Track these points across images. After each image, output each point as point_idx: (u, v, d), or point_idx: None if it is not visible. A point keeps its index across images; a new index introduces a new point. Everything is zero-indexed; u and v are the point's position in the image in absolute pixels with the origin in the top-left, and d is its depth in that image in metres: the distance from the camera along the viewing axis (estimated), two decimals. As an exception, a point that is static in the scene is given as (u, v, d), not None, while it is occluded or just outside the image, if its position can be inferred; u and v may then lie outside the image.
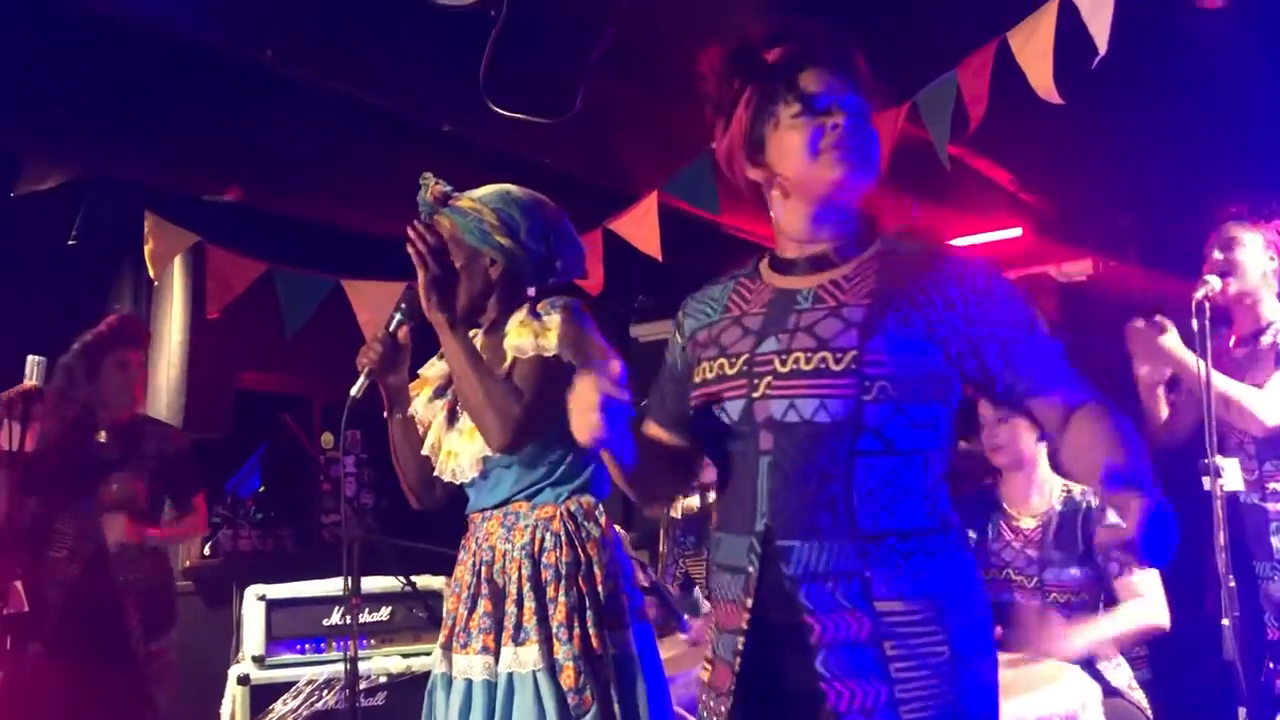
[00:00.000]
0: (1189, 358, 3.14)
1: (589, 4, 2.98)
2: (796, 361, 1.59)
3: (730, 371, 1.68)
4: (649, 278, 5.43)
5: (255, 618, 3.91)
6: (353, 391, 2.41)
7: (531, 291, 2.48)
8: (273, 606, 3.94)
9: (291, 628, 3.97)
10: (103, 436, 3.80)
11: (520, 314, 2.36)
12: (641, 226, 4.12)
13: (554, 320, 2.32)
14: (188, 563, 5.30)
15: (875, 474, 1.56)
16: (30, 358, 3.36)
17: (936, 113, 3.40)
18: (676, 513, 4.14)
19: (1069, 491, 3.16)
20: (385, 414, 2.51)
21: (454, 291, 2.37)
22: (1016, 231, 5.25)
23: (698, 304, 1.87)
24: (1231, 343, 3.37)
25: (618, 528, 2.57)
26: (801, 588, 1.55)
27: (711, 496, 4.03)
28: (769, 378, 1.61)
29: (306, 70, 3.33)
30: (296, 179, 4.21)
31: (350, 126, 3.90)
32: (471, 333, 2.45)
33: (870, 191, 1.70)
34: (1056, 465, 3.29)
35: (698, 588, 3.69)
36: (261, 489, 5.79)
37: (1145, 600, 2.98)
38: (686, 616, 3.34)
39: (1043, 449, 3.20)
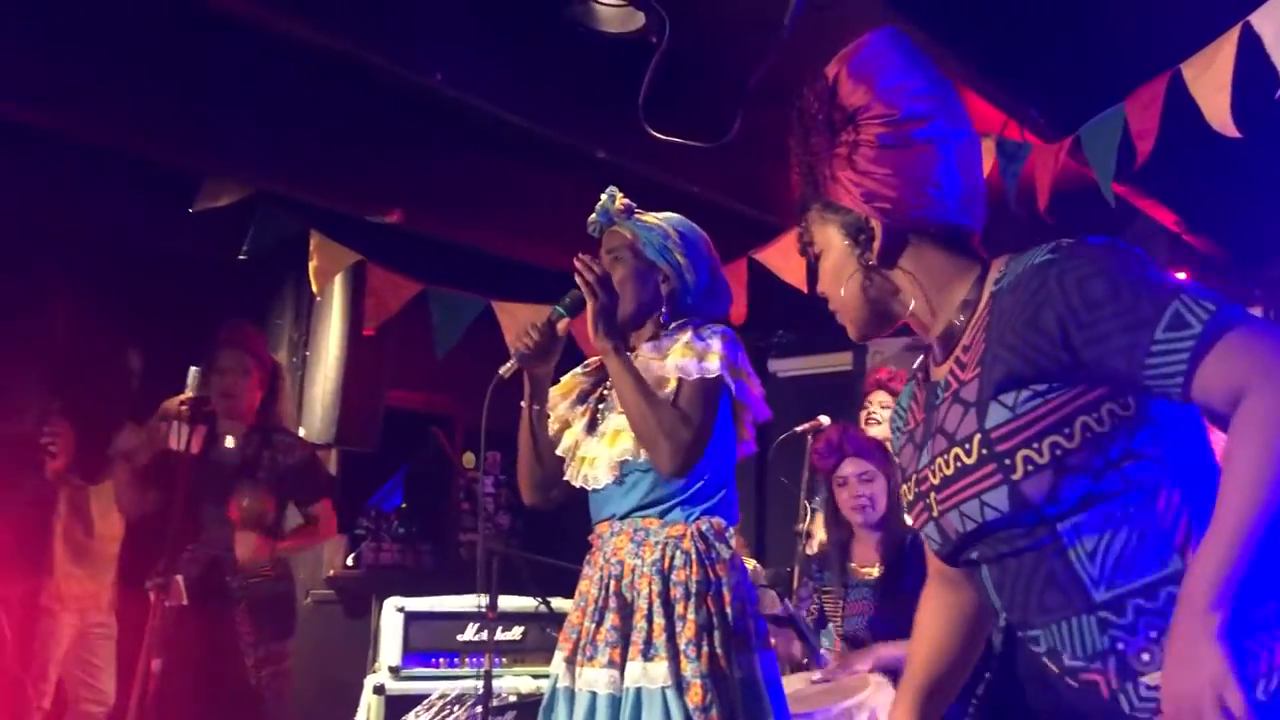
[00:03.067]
0: None
1: (749, 33, 3.00)
2: (941, 469, 1.46)
3: (910, 497, 1.56)
4: (790, 312, 5.41)
5: (393, 629, 4.00)
6: (501, 371, 2.44)
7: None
8: (411, 619, 4.03)
9: (428, 641, 4.05)
10: (230, 442, 3.83)
11: (685, 335, 2.40)
12: (788, 258, 4.11)
13: (716, 344, 2.37)
14: (331, 572, 5.46)
15: (1085, 530, 1.36)
16: (192, 369, 3.52)
17: (1101, 148, 3.30)
18: (812, 549, 4.09)
19: None
20: (523, 402, 2.55)
21: (618, 318, 2.42)
22: (1180, 275, 5.04)
23: (897, 415, 1.70)
24: None
25: (746, 558, 2.56)
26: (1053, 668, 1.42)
27: (820, 533, 3.97)
28: (932, 494, 1.48)
29: (471, 95, 3.43)
30: (454, 203, 4.34)
31: (507, 151, 4.01)
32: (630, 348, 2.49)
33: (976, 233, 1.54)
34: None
35: (830, 624, 3.64)
36: (404, 505, 5.94)
37: None
38: (822, 650, 3.28)
39: None
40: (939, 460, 1.47)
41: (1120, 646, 1.34)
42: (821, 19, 2.81)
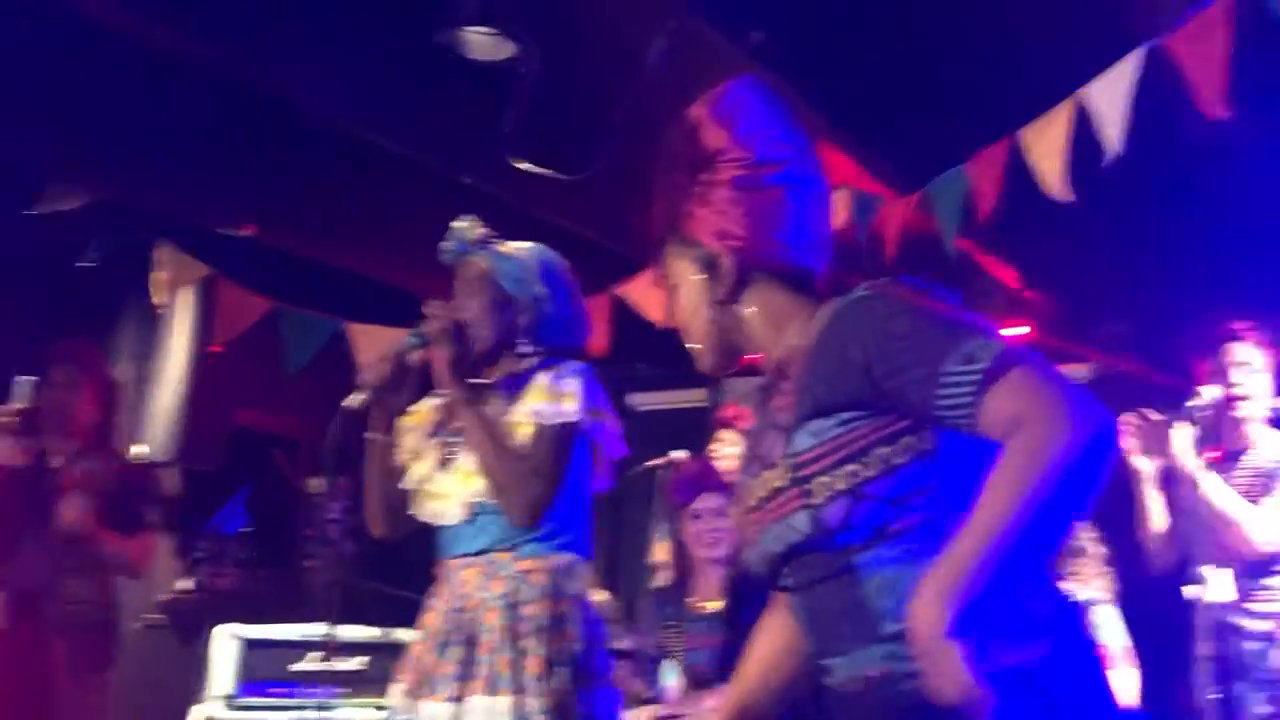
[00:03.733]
0: (1193, 460, 3.14)
1: (616, 70, 3.05)
2: (757, 492, 1.53)
3: (738, 521, 1.63)
4: (650, 347, 5.46)
5: (227, 657, 3.86)
6: (347, 403, 2.40)
7: (544, 350, 2.50)
8: (248, 647, 3.89)
9: (264, 670, 3.92)
10: (57, 461, 3.62)
11: (542, 377, 2.39)
12: (649, 294, 4.16)
13: (574, 385, 2.36)
14: (164, 596, 5.24)
15: (879, 564, 1.43)
16: (21, 379, 3.33)
17: (946, 204, 3.46)
18: (658, 582, 4.12)
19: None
20: (370, 434, 2.49)
21: (470, 367, 2.40)
22: (1024, 330, 5.29)
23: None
24: (1218, 455, 3.38)
25: (599, 593, 2.57)
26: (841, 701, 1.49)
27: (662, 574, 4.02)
28: (751, 516, 1.55)
29: (332, 112, 3.39)
30: (312, 220, 4.26)
31: (369, 172, 3.96)
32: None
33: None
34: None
35: (671, 659, 3.68)
36: (246, 528, 5.75)
37: None
38: (665, 685, 3.30)
39: None
40: (755, 484, 1.54)
41: (899, 665, 1.41)
42: (686, 62, 2.88)
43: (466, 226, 2.49)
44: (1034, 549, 1.33)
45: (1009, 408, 1.34)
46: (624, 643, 3.27)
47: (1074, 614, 1.48)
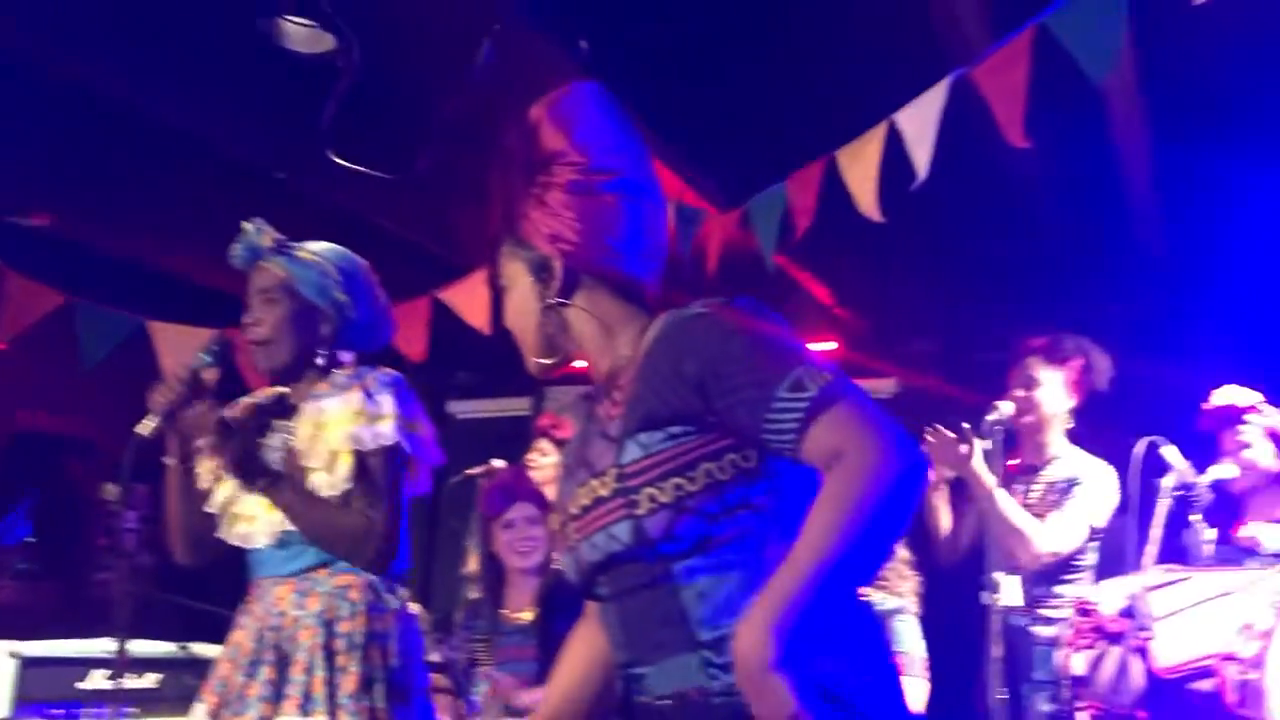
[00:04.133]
0: (987, 476, 3.30)
1: (443, 70, 3.00)
2: (580, 499, 1.53)
3: (556, 528, 1.65)
4: (471, 354, 5.40)
5: (4, 676, 3.60)
6: (139, 429, 2.26)
7: (349, 357, 2.42)
8: (26, 665, 3.63)
9: (46, 689, 3.67)
10: None
11: (353, 395, 2.29)
12: (471, 299, 4.10)
13: (388, 403, 2.28)
14: (-67, 613, 4.85)
15: (696, 573, 1.45)
16: None
17: (766, 220, 3.54)
18: (475, 594, 4.06)
19: (866, 596, 3.28)
20: (166, 459, 2.37)
21: (259, 453, 2.30)
22: (832, 345, 5.48)
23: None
24: (1013, 467, 3.58)
25: (414, 605, 2.51)
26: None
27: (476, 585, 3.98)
28: (571, 524, 1.56)
29: (134, 96, 3.20)
30: (113, 211, 4.02)
31: (176, 162, 3.76)
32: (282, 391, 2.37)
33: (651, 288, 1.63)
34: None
35: (481, 671, 3.64)
36: (28, 538, 5.37)
37: None
38: (475, 697, 3.25)
39: None
40: (580, 491, 1.54)
41: (714, 683, 1.44)
42: (513, 67, 2.86)
43: (254, 231, 2.35)
44: (854, 575, 1.39)
45: (831, 440, 1.38)
46: (437, 655, 3.20)
47: (875, 626, 1.54)
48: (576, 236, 1.57)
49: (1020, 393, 3.48)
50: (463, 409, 6.52)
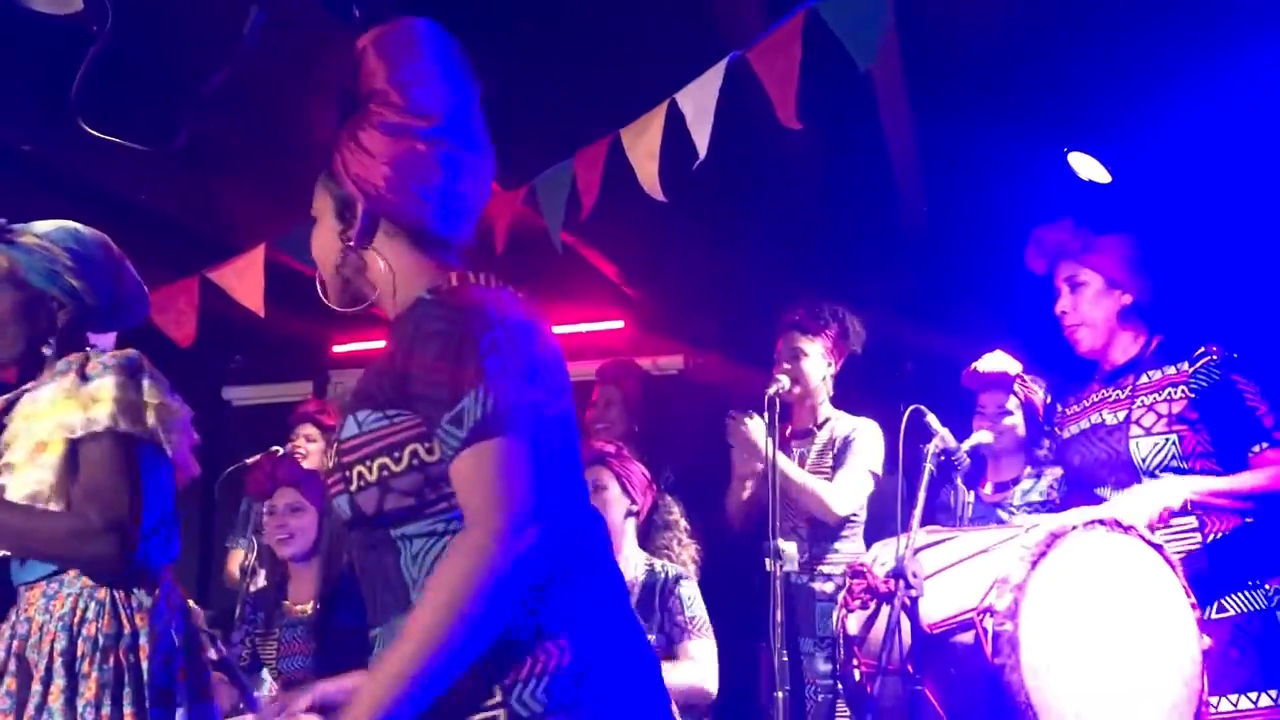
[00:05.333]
0: (766, 448, 3.43)
1: (205, 38, 2.84)
2: (326, 463, 1.58)
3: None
4: (248, 337, 5.16)
5: None
6: None
7: (107, 340, 2.29)
8: None
9: None
10: None
11: (66, 380, 2.12)
12: (243, 279, 3.91)
13: (106, 386, 2.11)
14: None
15: (410, 538, 1.48)
16: None
17: (552, 198, 3.53)
18: (253, 587, 3.91)
19: (650, 564, 3.37)
20: None
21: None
22: (619, 324, 5.54)
23: None
24: (788, 433, 3.76)
25: (191, 602, 2.38)
26: None
27: (262, 578, 3.85)
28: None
29: None
30: None
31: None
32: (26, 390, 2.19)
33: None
34: (644, 543, 3.49)
35: (266, 668, 3.51)
36: None
37: (696, 664, 3.23)
38: (256, 694, 3.13)
39: (631, 523, 3.38)
40: (329, 453, 1.57)
41: None
42: (285, 36, 2.73)
43: None
44: (462, 660, 1.37)
45: (464, 485, 1.41)
46: (215, 653, 3.06)
47: (585, 615, 1.49)
48: (382, 181, 1.52)
49: (787, 365, 3.67)
50: (240, 395, 6.25)
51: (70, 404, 2.09)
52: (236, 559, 4.56)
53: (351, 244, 1.58)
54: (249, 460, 3.97)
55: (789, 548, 3.39)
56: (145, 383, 2.17)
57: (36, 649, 2.10)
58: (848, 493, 3.58)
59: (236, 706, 3.20)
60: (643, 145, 3.15)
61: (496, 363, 1.42)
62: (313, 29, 2.92)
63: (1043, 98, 3.87)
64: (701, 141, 2.95)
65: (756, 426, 3.52)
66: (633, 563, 3.37)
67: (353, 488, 1.47)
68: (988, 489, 3.80)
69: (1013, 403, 3.75)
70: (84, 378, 2.13)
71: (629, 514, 3.39)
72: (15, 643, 2.12)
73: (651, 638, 3.25)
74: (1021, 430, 3.74)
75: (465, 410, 1.40)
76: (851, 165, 4.27)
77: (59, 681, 2.06)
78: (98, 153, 3.11)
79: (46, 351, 2.21)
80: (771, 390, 3.50)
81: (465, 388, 1.40)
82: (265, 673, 3.42)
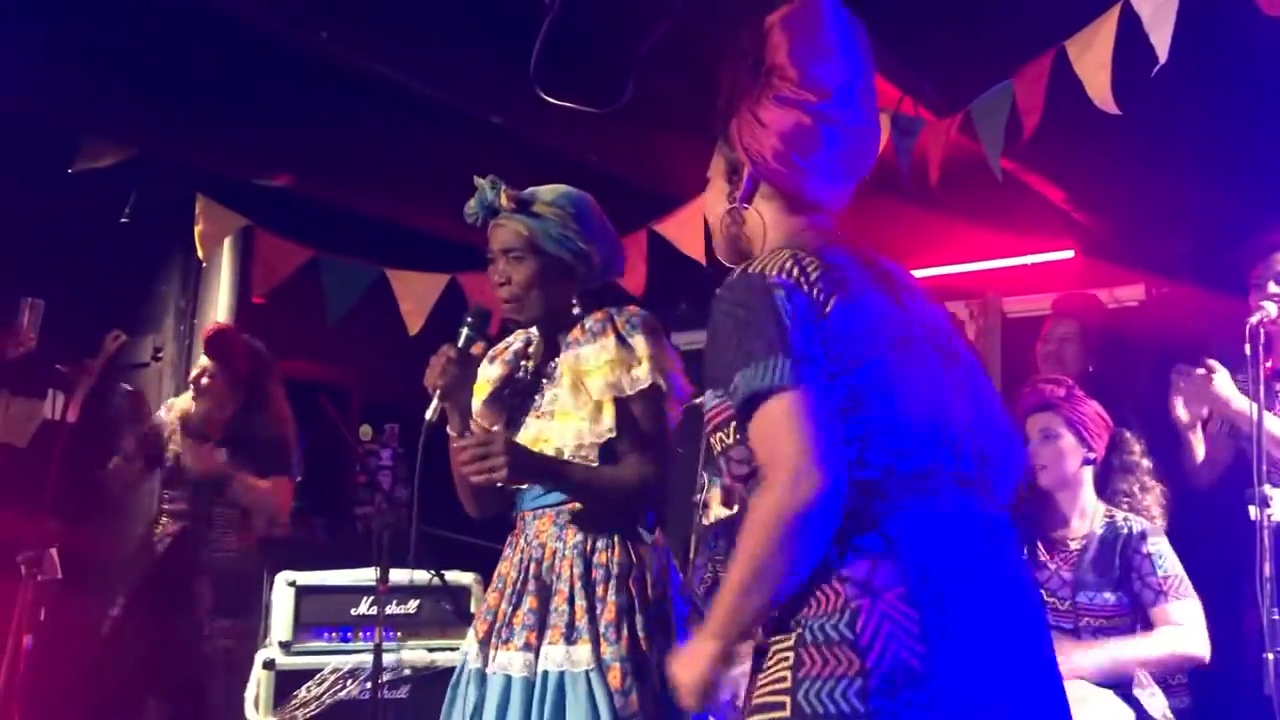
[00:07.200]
0: (1238, 398, 3.16)
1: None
2: None
3: None
4: (690, 285, 5.41)
5: (284, 603, 3.92)
6: (427, 415, 2.36)
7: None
8: (302, 593, 3.95)
9: (320, 615, 3.98)
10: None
11: (608, 341, 2.31)
12: (686, 230, 4.10)
13: (641, 345, 2.30)
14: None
15: None
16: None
17: (990, 123, 3.35)
18: (708, 519, 4.10)
19: (1111, 517, 3.12)
20: (450, 430, 2.43)
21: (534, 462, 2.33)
22: (1068, 253, 5.16)
23: None
24: (1269, 368, 3.32)
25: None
26: None
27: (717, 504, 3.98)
28: None
29: (360, 55, 3.35)
30: (345, 167, 4.24)
31: (399, 115, 3.92)
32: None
33: None
34: (1101, 489, 3.24)
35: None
36: (298, 478, 5.82)
37: (1181, 629, 2.92)
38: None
39: (1088, 471, 3.15)
40: None
41: None
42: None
43: (490, 188, 2.37)
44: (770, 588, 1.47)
45: (757, 449, 1.51)
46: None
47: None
48: (770, 152, 1.63)
49: (1274, 288, 3.23)
50: (685, 340, 6.57)
51: (617, 367, 2.29)
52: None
53: (733, 205, 1.70)
54: (699, 400, 4.16)
55: (1278, 495, 3.02)
56: (662, 339, 2.35)
57: (552, 572, 2.30)
58: None
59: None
60: (1092, 56, 2.89)
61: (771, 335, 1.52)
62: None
63: None
64: (1161, 44, 2.66)
65: (1223, 379, 3.17)
66: (1090, 515, 3.14)
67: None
68: None
69: None
70: (619, 337, 2.32)
71: (1085, 462, 3.14)
72: (531, 565, 2.33)
73: (1108, 595, 3.02)
74: None
75: (742, 380, 1.52)
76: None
77: (581, 603, 2.25)
78: (554, 120, 3.39)
79: (575, 311, 2.42)
80: (1255, 319, 3.10)
81: (741, 363, 1.51)
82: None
